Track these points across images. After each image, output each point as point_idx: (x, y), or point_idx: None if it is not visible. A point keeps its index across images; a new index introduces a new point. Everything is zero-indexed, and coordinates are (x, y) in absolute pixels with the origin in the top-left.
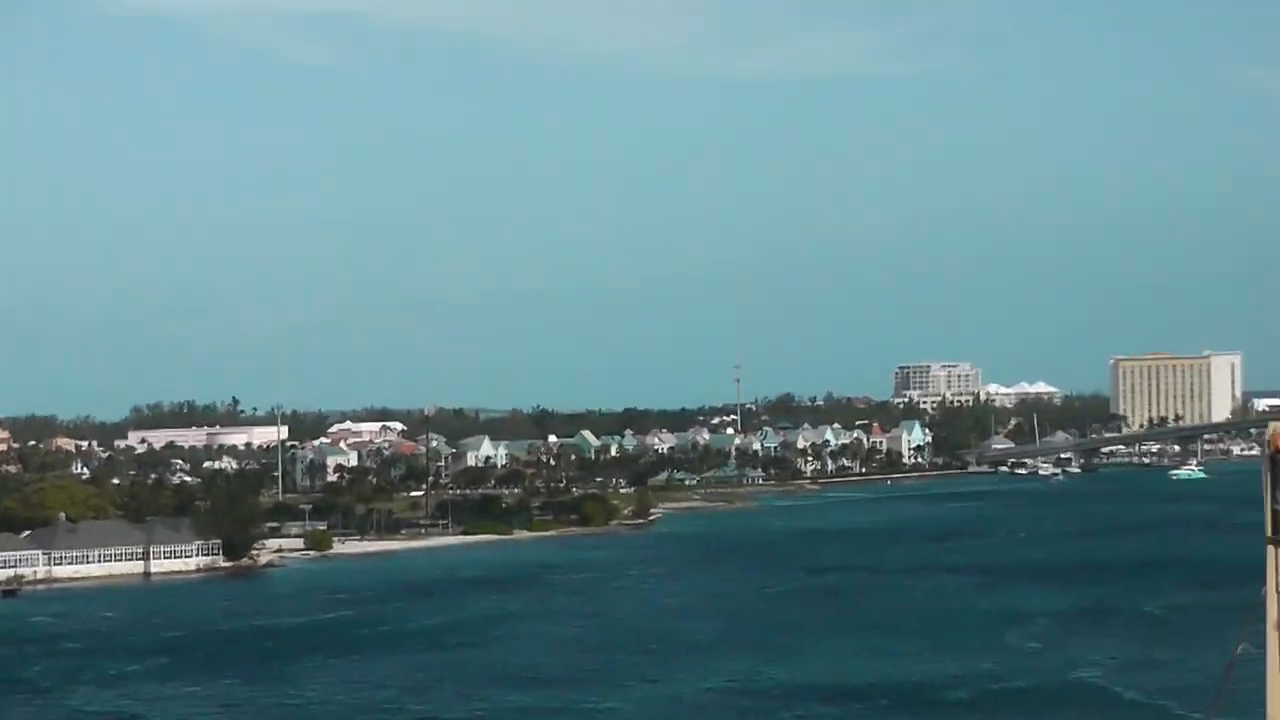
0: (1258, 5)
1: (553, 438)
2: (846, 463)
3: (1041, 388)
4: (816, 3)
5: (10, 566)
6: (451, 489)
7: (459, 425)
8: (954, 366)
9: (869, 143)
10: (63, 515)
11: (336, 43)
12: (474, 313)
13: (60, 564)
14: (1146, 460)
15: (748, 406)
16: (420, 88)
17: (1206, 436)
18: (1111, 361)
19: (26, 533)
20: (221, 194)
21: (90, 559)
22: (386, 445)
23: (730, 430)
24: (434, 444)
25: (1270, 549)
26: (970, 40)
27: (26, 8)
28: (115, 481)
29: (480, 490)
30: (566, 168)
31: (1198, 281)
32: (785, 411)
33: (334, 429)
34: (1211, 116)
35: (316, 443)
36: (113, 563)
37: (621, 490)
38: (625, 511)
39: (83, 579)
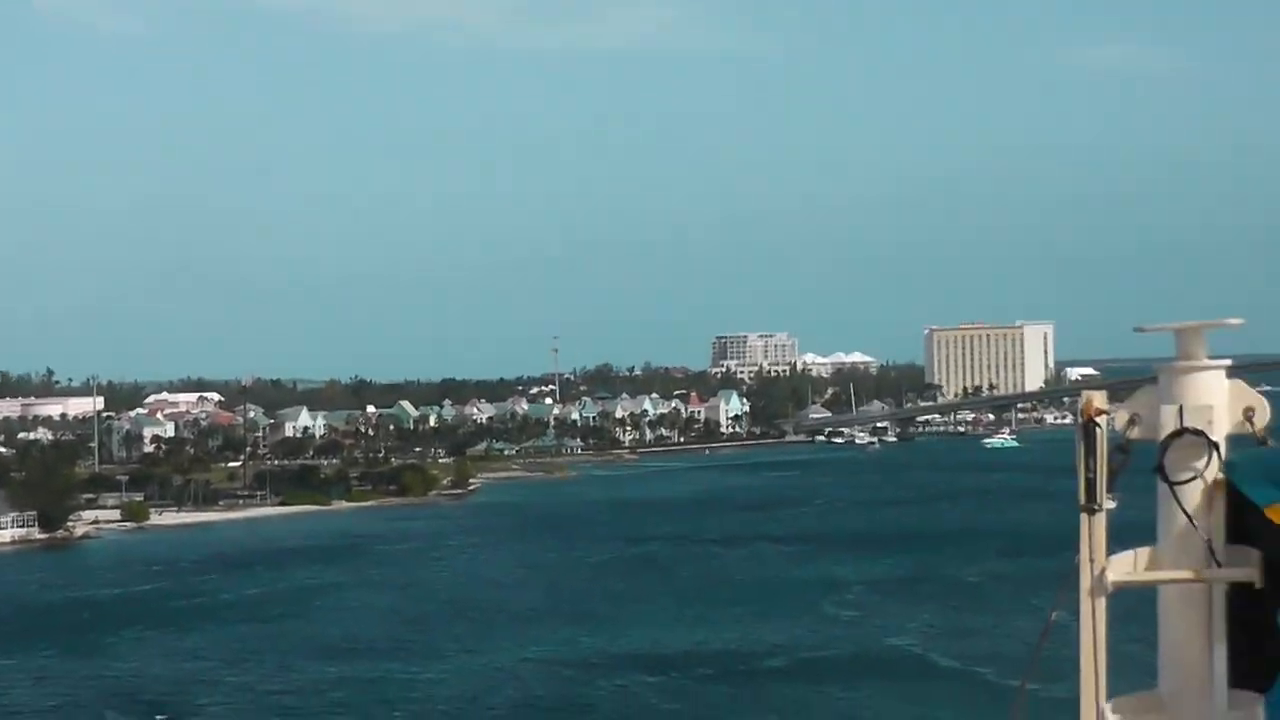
0: None
1: (371, 408)
2: (665, 432)
3: (858, 357)
4: None
5: None
6: (269, 460)
7: (277, 396)
8: (771, 337)
9: (682, 115)
10: None
11: (146, 13)
12: (293, 285)
13: None
14: (961, 429)
15: (566, 377)
16: (233, 60)
17: (1020, 405)
18: (926, 331)
19: None
20: (35, 166)
21: None
22: (204, 416)
23: (549, 400)
24: (251, 414)
25: (1084, 517)
26: (786, 14)
27: None
28: None
29: (298, 461)
30: (383, 143)
31: (1011, 252)
32: (603, 382)
33: (150, 400)
34: (1018, 86)
35: (133, 414)
36: None
37: (440, 460)
38: (444, 481)
39: None
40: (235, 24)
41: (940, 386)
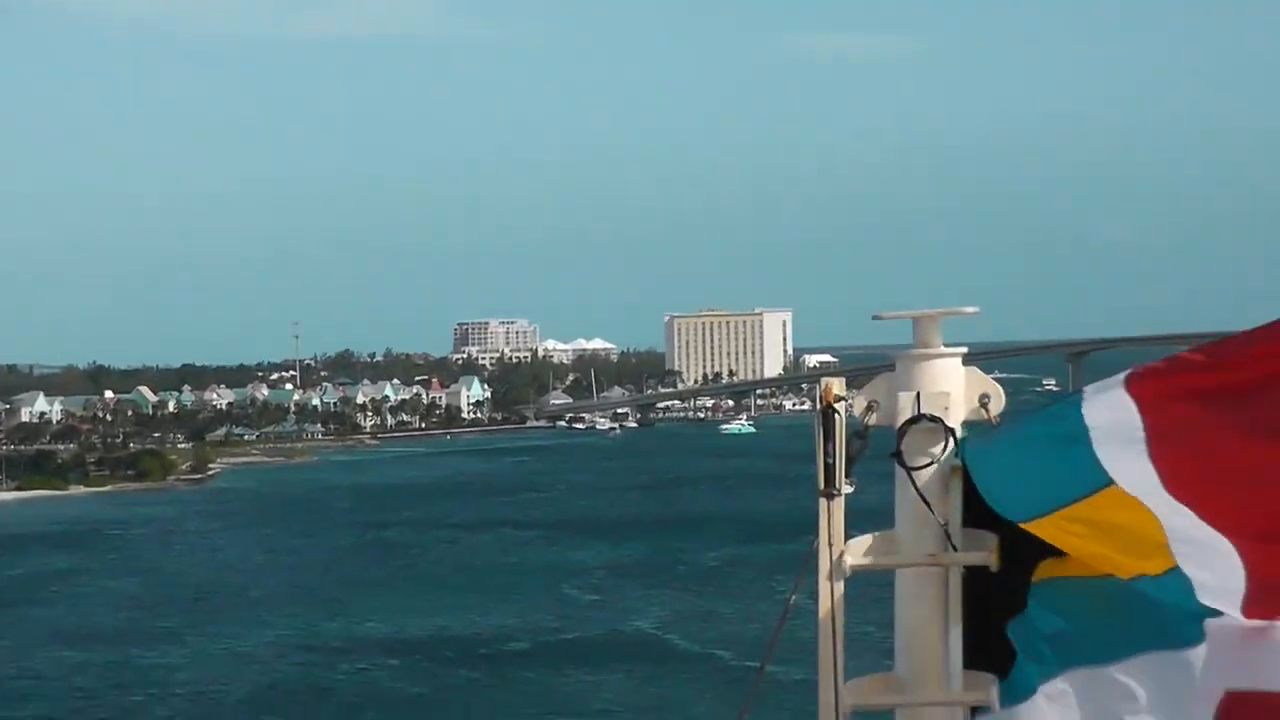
0: None
1: (109, 394)
2: (406, 418)
3: (599, 344)
4: None
5: None
6: (4, 445)
7: (12, 381)
8: (512, 323)
9: (422, 100)
10: None
11: None
12: (25, 270)
13: None
14: (701, 415)
15: (307, 362)
16: None
17: (759, 392)
18: (667, 318)
19: None
20: None
21: None
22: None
23: (289, 386)
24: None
25: (822, 501)
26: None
27: None
28: None
29: (35, 446)
30: (118, 133)
31: (750, 238)
32: (345, 367)
33: None
34: (748, 74)
35: None
36: None
37: (179, 446)
38: (183, 467)
39: None
40: None
41: (680, 373)
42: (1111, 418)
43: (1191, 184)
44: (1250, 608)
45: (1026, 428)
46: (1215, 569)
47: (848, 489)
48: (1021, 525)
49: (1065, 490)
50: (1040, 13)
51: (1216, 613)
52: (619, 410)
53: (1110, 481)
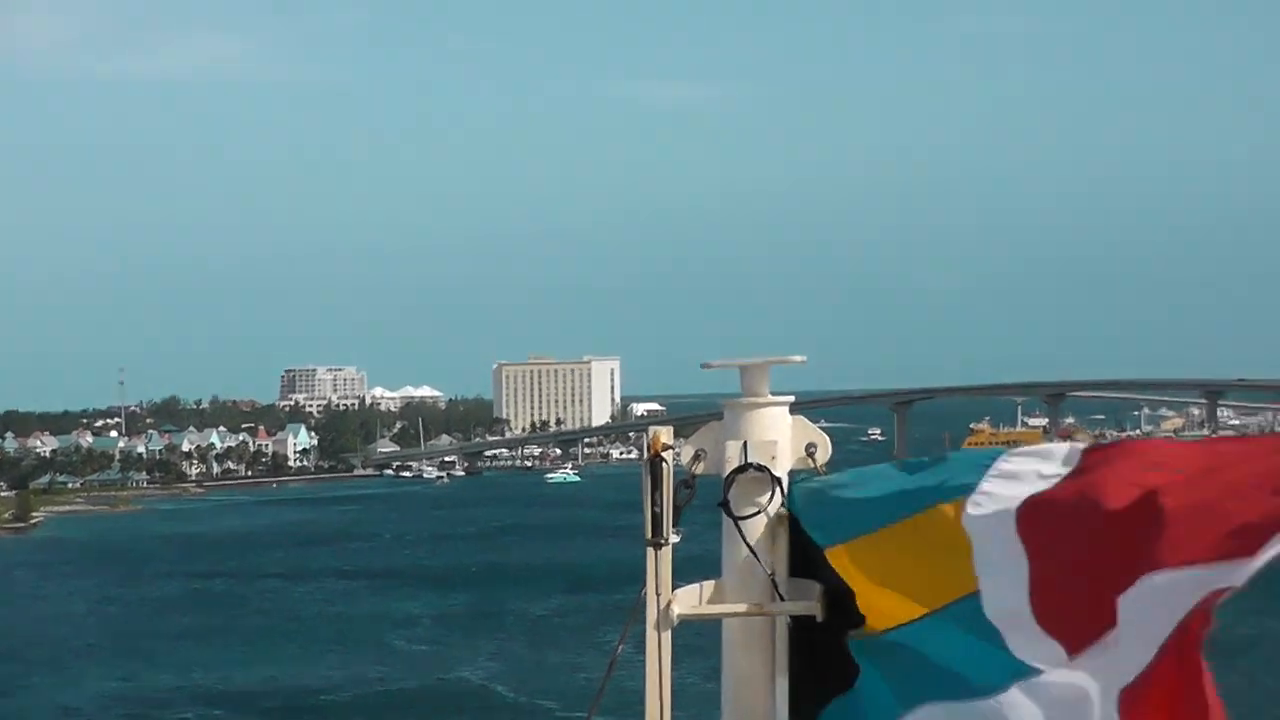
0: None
1: None
2: (232, 466)
3: (426, 392)
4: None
5: None
6: None
7: None
8: (340, 370)
9: (244, 146)
10: None
11: None
12: None
13: None
14: (529, 464)
15: (132, 409)
16: None
17: (587, 440)
18: (495, 366)
19: None
20: None
21: None
22: None
23: (114, 433)
24: None
25: (649, 551)
26: (360, 45)
27: None
28: None
29: None
30: None
31: (577, 286)
32: (170, 414)
33: None
34: (571, 123)
35: None
36: None
37: (2, 494)
38: (5, 516)
39: None
40: None
41: (508, 421)
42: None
43: (1015, 235)
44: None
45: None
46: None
47: (675, 538)
48: (824, 550)
49: (884, 515)
50: (870, 63)
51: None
52: (446, 459)
53: (936, 503)
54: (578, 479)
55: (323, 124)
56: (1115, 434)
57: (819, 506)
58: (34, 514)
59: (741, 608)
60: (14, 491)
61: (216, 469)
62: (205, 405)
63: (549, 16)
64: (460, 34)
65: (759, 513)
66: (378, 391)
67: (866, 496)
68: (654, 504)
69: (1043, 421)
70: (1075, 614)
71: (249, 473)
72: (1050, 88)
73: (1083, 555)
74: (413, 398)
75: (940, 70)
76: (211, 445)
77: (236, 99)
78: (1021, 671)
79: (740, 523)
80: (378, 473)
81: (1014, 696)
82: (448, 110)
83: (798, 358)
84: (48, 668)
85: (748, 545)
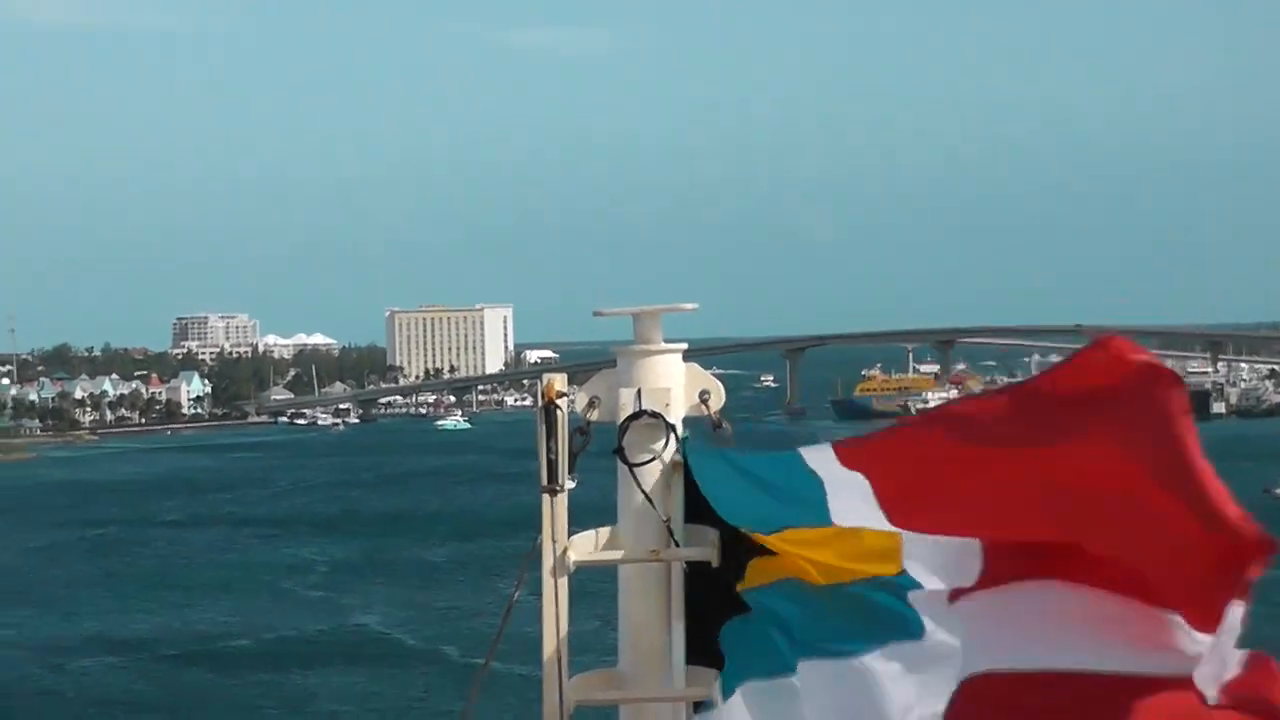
0: None
1: None
2: (126, 413)
3: (320, 339)
4: None
5: None
6: None
7: None
8: (232, 318)
9: (128, 91)
10: None
11: None
12: None
13: None
14: (423, 411)
15: (24, 357)
16: None
17: (480, 388)
18: (388, 313)
19: None
20: None
21: None
22: None
23: (5, 381)
24: None
25: (545, 497)
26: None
27: None
28: None
29: None
30: None
31: (469, 235)
32: (62, 362)
33: None
34: (455, 69)
35: None
36: None
37: None
38: None
39: None
40: None
41: (402, 368)
42: (835, 474)
43: (902, 184)
44: (985, 580)
45: (753, 457)
46: (945, 560)
47: (570, 485)
48: (751, 534)
49: (791, 516)
50: (749, 11)
51: (943, 602)
52: (341, 406)
53: (832, 522)
54: (469, 426)
55: (210, 70)
56: (1006, 379)
57: (724, 472)
58: None
59: (637, 554)
60: None
61: (110, 416)
62: (98, 353)
63: None
64: None
65: (654, 459)
66: (270, 339)
67: (764, 500)
68: (549, 451)
69: (934, 368)
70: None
71: (143, 420)
72: (929, 35)
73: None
74: (306, 345)
75: (816, 18)
76: (104, 393)
77: (116, 47)
78: (906, 633)
79: (635, 469)
80: (272, 420)
81: (944, 638)
82: (342, 56)
83: (689, 305)
84: None
85: (643, 492)
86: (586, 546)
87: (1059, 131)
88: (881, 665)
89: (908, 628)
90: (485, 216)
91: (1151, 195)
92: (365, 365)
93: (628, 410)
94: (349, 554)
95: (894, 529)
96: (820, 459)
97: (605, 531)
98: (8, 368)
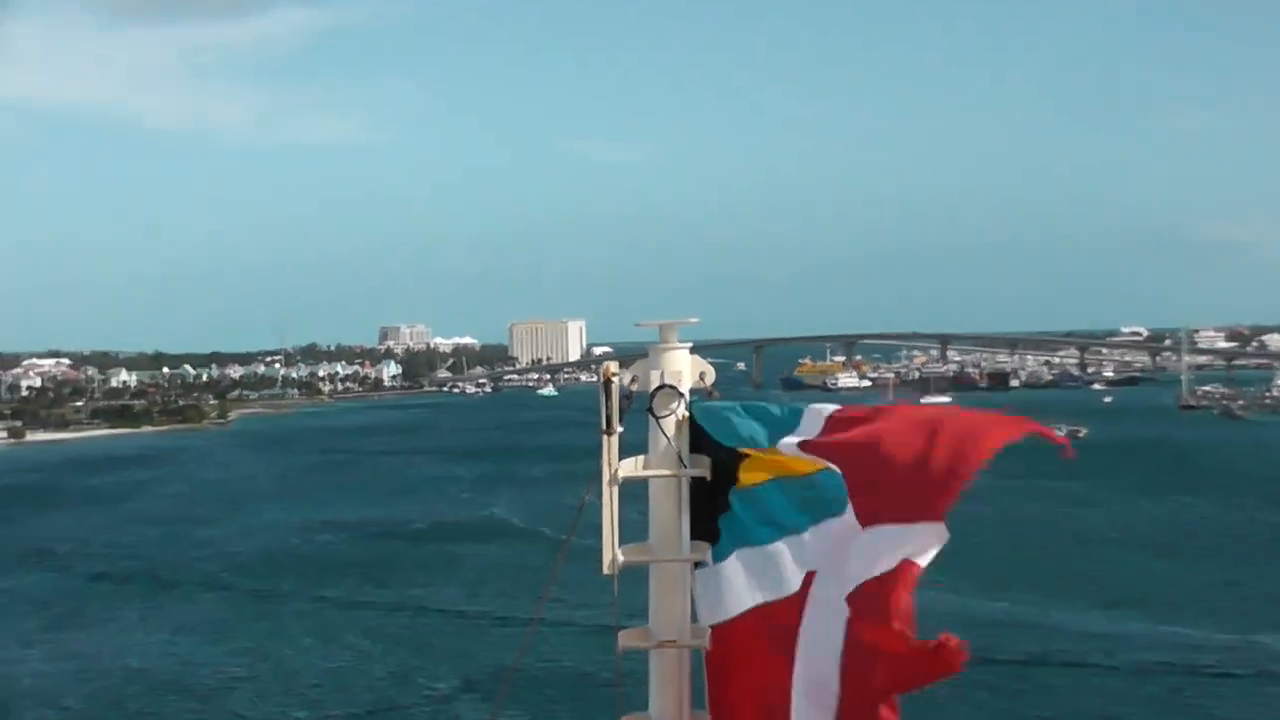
0: None
1: (166, 369)
2: (350, 385)
3: (468, 339)
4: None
5: None
6: (101, 401)
7: (106, 361)
8: (414, 326)
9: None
10: None
11: None
12: (129, 281)
13: None
14: (530, 384)
15: (289, 350)
16: None
17: (566, 370)
18: (510, 324)
19: None
20: None
21: None
22: (60, 373)
23: (277, 365)
24: (90, 372)
25: (604, 437)
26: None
27: None
28: None
29: (119, 402)
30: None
31: (560, 273)
32: (312, 354)
33: (26, 363)
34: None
35: (11, 373)
36: None
37: (210, 403)
38: (213, 416)
39: None
40: None
41: (517, 358)
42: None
43: (822, 244)
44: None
45: (750, 410)
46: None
47: (620, 430)
48: (737, 449)
49: (760, 439)
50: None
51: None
52: (480, 381)
53: (801, 431)
54: (557, 393)
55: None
56: (886, 365)
57: (729, 416)
58: (229, 415)
59: (661, 472)
60: (217, 401)
61: (340, 387)
62: (333, 348)
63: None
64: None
65: (671, 415)
66: (437, 339)
67: (754, 423)
68: (606, 409)
69: (841, 358)
70: (878, 498)
71: (360, 389)
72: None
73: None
74: (459, 343)
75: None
76: (337, 373)
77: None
78: (828, 514)
79: (660, 420)
80: (438, 389)
81: (815, 532)
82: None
83: (693, 320)
84: (242, 507)
85: (665, 435)
86: (630, 468)
87: (929, 190)
88: (810, 536)
89: (834, 506)
90: (571, 261)
91: (980, 232)
92: (495, 356)
93: (655, 384)
94: (485, 471)
95: (844, 439)
96: (818, 409)
97: (641, 459)
98: (279, 357)
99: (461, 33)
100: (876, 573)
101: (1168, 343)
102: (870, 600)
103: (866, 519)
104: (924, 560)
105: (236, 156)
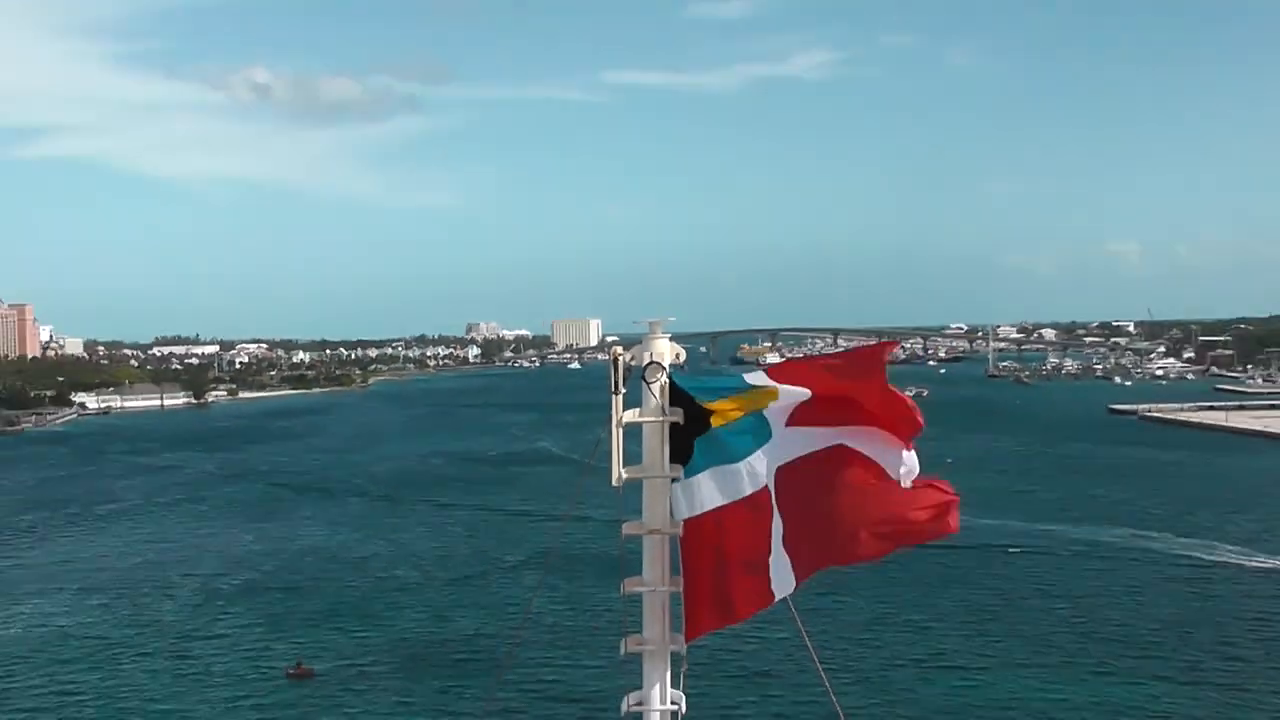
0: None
1: (328, 351)
2: (447, 362)
3: (523, 331)
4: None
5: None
6: (286, 372)
7: (288, 345)
8: (490, 323)
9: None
10: (127, 380)
11: None
12: (310, 295)
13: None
14: (564, 361)
15: (407, 338)
16: None
17: (587, 353)
18: (552, 322)
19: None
20: None
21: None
22: (259, 353)
23: (402, 349)
24: (279, 353)
25: (612, 396)
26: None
27: None
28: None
29: (299, 372)
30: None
31: (588, 284)
32: (421, 342)
33: (239, 346)
34: None
35: (229, 352)
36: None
37: (356, 372)
38: (359, 381)
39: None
40: None
41: (555, 344)
42: (755, 373)
43: (750, 265)
44: (795, 420)
45: (712, 377)
46: (791, 400)
47: (623, 391)
48: (700, 402)
49: (723, 393)
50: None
51: (783, 422)
52: (532, 358)
53: (747, 385)
54: (580, 367)
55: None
56: (796, 349)
57: (698, 381)
58: (370, 381)
59: (650, 418)
60: (361, 371)
61: (440, 363)
62: (435, 336)
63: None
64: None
65: (657, 381)
66: (505, 332)
67: (710, 384)
68: (614, 377)
69: (768, 344)
70: (803, 418)
71: (453, 364)
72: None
73: (811, 408)
74: (518, 334)
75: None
76: (439, 353)
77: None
78: (763, 442)
79: (649, 385)
80: (504, 365)
81: (758, 455)
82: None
83: (671, 318)
84: (383, 441)
85: (653, 394)
86: (630, 415)
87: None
88: (756, 458)
89: (767, 434)
90: (591, 279)
91: (861, 259)
92: (542, 342)
93: (646, 360)
94: (534, 418)
95: (774, 384)
96: (754, 372)
97: (637, 410)
98: (401, 342)
99: (516, 133)
100: (812, 450)
101: (980, 334)
102: (824, 465)
103: (797, 422)
104: (867, 450)
105: (372, 214)
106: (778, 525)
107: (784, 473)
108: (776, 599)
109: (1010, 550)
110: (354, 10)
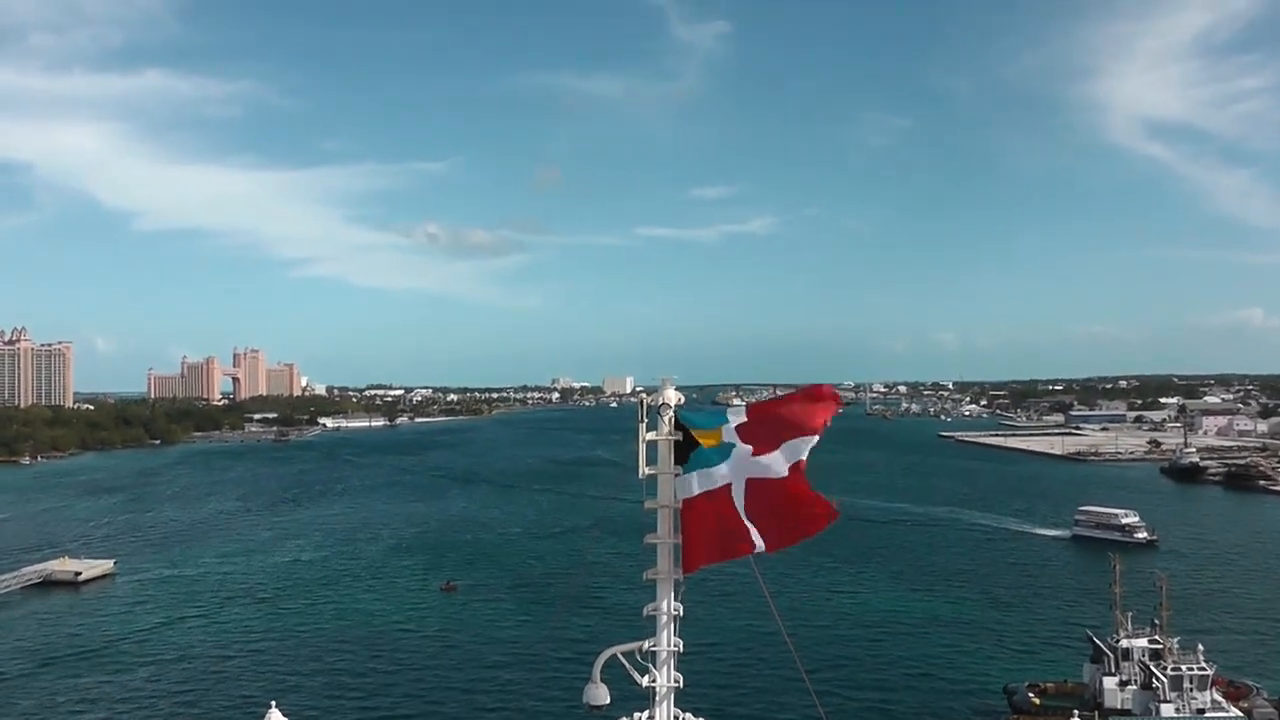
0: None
1: (469, 393)
2: (541, 401)
3: (585, 383)
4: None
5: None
6: (445, 405)
7: (443, 390)
8: (564, 377)
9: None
10: (350, 410)
11: None
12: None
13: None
14: (612, 403)
15: (524, 385)
16: None
17: (624, 397)
18: (604, 378)
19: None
20: None
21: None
22: (427, 395)
23: (511, 393)
24: (438, 394)
25: (640, 425)
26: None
27: None
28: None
29: (450, 407)
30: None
31: (625, 353)
32: (527, 389)
33: (413, 390)
34: None
35: (409, 395)
36: (359, 423)
37: (485, 406)
38: (486, 412)
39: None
40: None
41: (604, 390)
42: (735, 410)
43: (739, 345)
44: (753, 446)
45: (701, 412)
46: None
47: (646, 420)
48: (692, 430)
49: (706, 425)
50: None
51: (748, 451)
52: (590, 400)
53: (726, 421)
54: (617, 406)
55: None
56: (750, 396)
57: (692, 415)
58: (493, 412)
59: (662, 438)
60: (487, 406)
61: (535, 402)
62: (534, 385)
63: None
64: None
65: (668, 415)
66: (575, 383)
67: (702, 419)
68: (641, 412)
69: (734, 393)
70: (762, 442)
71: (543, 403)
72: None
73: (768, 428)
74: (583, 384)
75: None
76: (533, 396)
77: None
78: (726, 458)
79: (662, 418)
80: (573, 404)
81: (724, 465)
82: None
83: (675, 376)
84: (498, 453)
85: (665, 423)
86: (650, 436)
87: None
88: (725, 468)
89: (730, 454)
90: (630, 347)
91: (798, 339)
92: (597, 390)
93: (660, 402)
94: (592, 437)
95: (734, 420)
96: (735, 408)
97: (654, 432)
98: (515, 389)
99: (581, 264)
100: (769, 475)
101: (860, 388)
102: (768, 478)
103: (760, 451)
104: (802, 456)
105: (495, 312)
106: (739, 505)
107: (736, 477)
108: (753, 552)
109: (880, 521)
110: (487, 189)
